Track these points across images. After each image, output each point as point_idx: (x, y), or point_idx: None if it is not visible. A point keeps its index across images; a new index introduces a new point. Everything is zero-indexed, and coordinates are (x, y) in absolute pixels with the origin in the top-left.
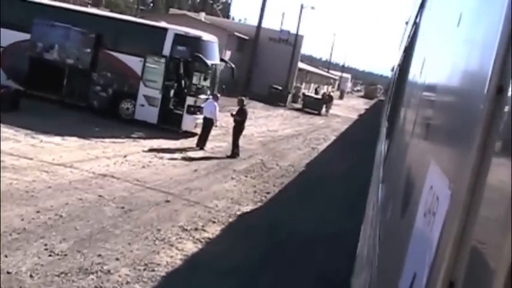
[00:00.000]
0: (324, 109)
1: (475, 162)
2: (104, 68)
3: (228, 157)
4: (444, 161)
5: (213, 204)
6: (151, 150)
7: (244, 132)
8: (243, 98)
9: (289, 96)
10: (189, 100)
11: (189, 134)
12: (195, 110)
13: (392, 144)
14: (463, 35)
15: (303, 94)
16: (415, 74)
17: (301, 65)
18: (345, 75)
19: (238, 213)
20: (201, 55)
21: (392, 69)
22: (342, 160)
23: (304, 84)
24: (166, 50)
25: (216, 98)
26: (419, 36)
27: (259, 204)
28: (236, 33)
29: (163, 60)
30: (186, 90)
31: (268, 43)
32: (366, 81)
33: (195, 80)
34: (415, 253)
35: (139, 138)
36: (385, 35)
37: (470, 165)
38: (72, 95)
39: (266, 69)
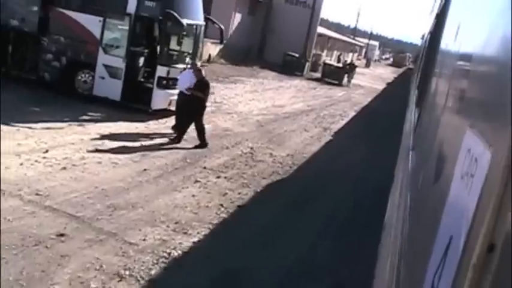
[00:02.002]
0: (345, 79)
1: None
2: (56, 31)
3: (195, 147)
4: (482, 124)
5: (139, 237)
6: (98, 139)
7: (240, 109)
8: (202, 65)
9: (307, 65)
10: (160, 70)
11: (160, 114)
12: (168, 83)
13: (423, 112)
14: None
15: (323, 62)
16: (448, 41)
17: (322, 30)
18: (372, 42)
19: (175, 253)
20: (174, 12)
21: (423, 37)
22: (360, 145)
23: (325, 51)
24: (131, 6)
25: (195, 69)
26: (453, 1)
27: (219, 231)
28: None
29: (127, 19)
30: (156, 59)
31: (284, 5)
32: (394, 50)
33: (167, 45)
34: (451, 217)
35: (91, 121)
36: (415, 1)
37: (509, 126)
38: (20, 65)
39: (281, 35)
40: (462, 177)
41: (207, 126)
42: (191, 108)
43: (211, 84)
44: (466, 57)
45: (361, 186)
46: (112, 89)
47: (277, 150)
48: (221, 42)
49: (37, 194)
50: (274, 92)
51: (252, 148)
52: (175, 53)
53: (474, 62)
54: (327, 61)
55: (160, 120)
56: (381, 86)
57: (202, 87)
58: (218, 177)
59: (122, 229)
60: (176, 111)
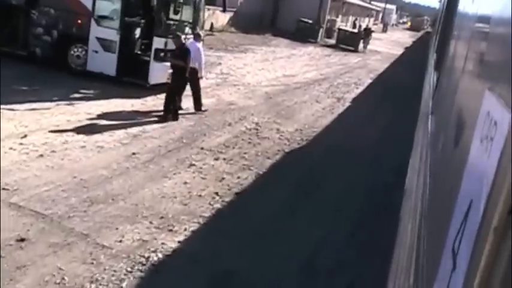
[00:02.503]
0: (361, 45)
1: None
2: (45, 2)
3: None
4: (501, 87)
5: (115, 238)
6: (87, 119)
7: (248, 80)
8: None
9: (321, 31)
10: (157, 42)
11: (158, 89)
12: (166, 55)
13: (442, 75)
14: None
15: (338, 28)
16: (466, 3)
17: None
18: (389, 6)
19: (155, 257)
20: None
21: (441, 0)
22: (375, 117)
23: (340, 17)
24: None
25: (198, 38)
26: None
27: (211, 226)
28: None
29: None
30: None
31: None
32: (412, 13)
33: (164, 15)
34: (471, 180)
35: (82, 99)
36: None
37: None
38: (10, 41)
39: (294, 1)
40: (482, 140)
41: (210, 101)
42: (173, 79)
43: (219, 53)
44: (484, 19)
45: (376, 167)
46: (106, 63)
47: (285, 125)
48: (224, 10)
49: (4, 189)
50: (285, 60)
51: (257, 124)
52: (174, 22)
53: (492, 23)
54: (342, 27)
55: (158, 96)
56: (398, 51)
57: (182, 54)
58: (216, 159)
59: (96, 228)
60: None
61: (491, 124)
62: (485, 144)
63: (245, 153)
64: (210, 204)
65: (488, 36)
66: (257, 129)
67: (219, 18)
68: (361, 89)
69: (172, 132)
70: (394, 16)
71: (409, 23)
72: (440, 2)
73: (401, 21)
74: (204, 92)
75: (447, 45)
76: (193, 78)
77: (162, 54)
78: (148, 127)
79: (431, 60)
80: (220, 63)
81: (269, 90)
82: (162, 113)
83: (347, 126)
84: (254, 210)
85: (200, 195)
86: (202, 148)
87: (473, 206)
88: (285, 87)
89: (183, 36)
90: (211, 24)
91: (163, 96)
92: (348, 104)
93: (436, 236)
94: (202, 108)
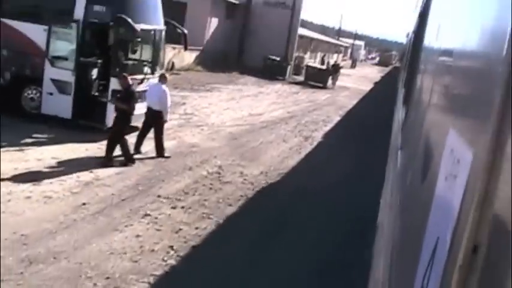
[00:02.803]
0: (330, 81)
1: (495, 124)
2: None
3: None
4: (464, 124)
5: None
6: (36, 166)
7: (212, 120)
8: (124, 74)
9: (289, 68)
10: (114, 83)
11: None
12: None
13: (410, 110)
14: None
15: (306, 65)
16: (430, 39)
17: (304, 31)
18: (357, 42)
19: None
20: (126, 17)
21: (407, 35)
22: (344, 156)
23: (309, 53)
24: (79, 12)
25: (163, 79)
26: (434, 0)
27: (162, 285)
28: None
29: (74, 27)
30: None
31: (262, 7)
32: (380, 49)
33: (122, 54)
34: (437, 217)
35: (34, 144)
36: (398, 0)
37: (490, 127)
38: None
39: (261, 39)
40: (446, 178)
41: (171, 143)
42: (115, 123)
43: (184, 93)
44: (448, 55)
45: (344, 213)
46: (62, 105)
47: (249, 168)
48: (185, 49)
49: None
50: (252, 99)
51: (220, 167)
52: (132, 62)
53: (455, 60)
54: (310, 63)
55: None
56: (367, 87)
57: (127, 97)
58: (174, 207)
59: None
60: (141, 129)
61: (454, 162)
62: (450, 181)
63: (205, 200)
64: (163, 260)
65: (450, 73)
66: (219, 173)
67: (185, 56)
68: (329, 126)
69: (128, 178)
70: (362, 52)
71: (377, 59)
72: (407, 37)
73: (370, 56)
74: (165, 133)
75: (414, 80)
76: (158, 122)
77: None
78: (102, 173)
79: (400, 95)
80: (184, 103)
81: (234, 131)
82: (125, 159)
83: (315, 167)
84: (211, 266)
85: (153, 250)
86: (159, 196)
87: (440, 243)
88: (250, 126)
89: (128, 78)
90: (173, 63)
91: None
92: (316, 142)
93: (406, 273)
94: (165, 154)
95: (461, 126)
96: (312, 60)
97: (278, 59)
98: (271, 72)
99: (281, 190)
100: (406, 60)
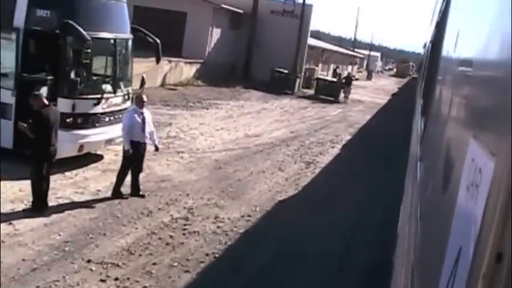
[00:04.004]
0: (342, 94)
1: None
2: None
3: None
4: (485, 133)
5: None
6: None
7: (198, 145)
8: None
9: (298, 81)
10: (63, 105)
11: (68, 165)
12: (76, 121)
13: (428, 121)
14: (497, 4)
15: (316, 78)
16: (449, 49)
17: (315, 42)
18: (373, 53)
19: None
20: (74, 23)
21: (425, 46)
22: (352, 187)
23: (320, 65)
24: (19, 18)
25: (140, 103)
26: (451, 9)
27: None
28: (225, 6)
29: (14, 36)
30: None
31: (269, 17)
32: (397, 60)
33: (73, 69)
34: (459, 227)
35: None
36: (416, 10)
37: (511, 135)
38: None
39: (268, 50)
40: (468, 187)
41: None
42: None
43: (175, 111)
44: (467, 65)
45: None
46: (1, 133)
47: (228, 210)
48: (157, 61)
49: None
50: (253, 116)
51: (190, 210)
52: (81, 78)
53: (474, 70)
54: (321, 76)
55: (66, 174)
56: (383, 100)
57: (36, 122)
58: (103, 280)
59: None
60: (121, 166)
61: (476, 171)
62: (472, 191)
63: (154, 263)
64: None
65: (470, 83)
66: (187, 219)
67: (184, 70)
68: (338, 148)
69: (58, 231)
70: (379, 63)
71: (394, 70)
72: (424, 47)
73: (386, 67)
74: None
75: (433, 90)
76: (137, 155)
77: (69, 119)
78: (25, 224)
79: (418, 105)
80: (170, 124)
81: (221, 158)
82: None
83: (313, 205)
84: None
85: None
86: (89, 261)
87: (463, 253)
88: (243, 151)
89: (43, 99)
90: (142, 78)
91: (72, 174)
92: (318, 169)
93: (428, 283)
94: (141, 193)
95: (482, 135)
96: (324, 73)
97: (286, 71)
98: (279, 85)
99: (263, 244)
100: (423, 71)
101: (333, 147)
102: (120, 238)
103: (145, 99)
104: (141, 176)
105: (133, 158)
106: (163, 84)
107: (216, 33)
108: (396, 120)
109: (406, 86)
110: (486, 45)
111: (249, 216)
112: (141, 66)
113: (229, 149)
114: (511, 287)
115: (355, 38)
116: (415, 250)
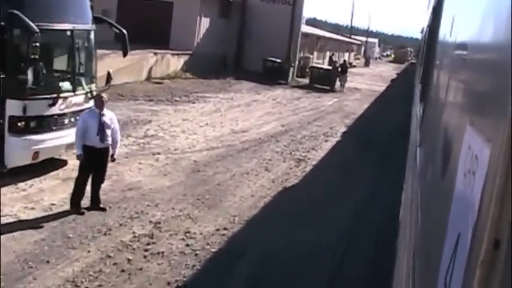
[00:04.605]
0: (338, 83)
1: None
2: None
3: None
4: (481, 119)
5: None
6: None
7: (177, 144)
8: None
9: (292, 70)
10: (12, 107)
11: (22, 175)
12: (28, 125)
13: (427, 106)
14: None
15: (311, 66)
16: (445, 33)
17: (309, 29)
18: (371, 39)
19: None
20: (19, 13)
21: (422, 31)
22: (346, 186)
23: (316, 53)
24: None
25: (100, 103)
26: None
27: None
28: None
29: None
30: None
31: (260, 4)
32: (395, 45)
33: (19, 65)
34: (458, 214)
35: None
36: None
37: (508, 123)
38: None
39: (260, 39)
40: (465, 174)
41: (103, 184)
42: None
43: (158, 107)
44: (463, 49)
45: None
46: None
47: (202, 222)
48: (125, 54)
49: None
50: (242, 109)
51: (156, 224)
52: (32, 76)
53: (470, 54)
54: (315, 64)
55: (19, 186)
56: (381, 87)
57: None
58: None
59: None
60: (78, 175)
61: (472, 158)
62: (469, 178)
63: None
64: None
65: (466, 69)
66: (151, 236)
67: (171, 62)
68: (332, 142)
69: (4, 254)
70: (377, 49)
71: (392, 56)
72: (421, 32)
73: (384, 53)
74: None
75: (431, 75)
76: (99, 162)
77: (21, 123)
78: None
79: (417, 91)
80: (150, 121)
81: (200, 158)
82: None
83: (303, 209)
84: None
85: None
86: None
87: (461, 239)
88: (226, 149)
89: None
90: (108, 73)
91: (23, 185)
92: (310, 167)
93: (428, 269)
94: (101, 205)
95: (478, 122)
96: (320, 61)
97: (279, 60)
98: (272, 75)
99: (240, 264)
100: (421, 56)
101: (326, 141)
102: (67, 266)
103: (105, 98)
104: (106, 184)
105: (89, 165)
106: (148, 78)
107: (204, 22)
108: (395, 108)
109: (404, 72)
110: (482, 30)
111: (225, 229)
112: (123, 60)
113: (211, 148)
114: (508, 273)
115: (351, 25)
116: (416, 237)
